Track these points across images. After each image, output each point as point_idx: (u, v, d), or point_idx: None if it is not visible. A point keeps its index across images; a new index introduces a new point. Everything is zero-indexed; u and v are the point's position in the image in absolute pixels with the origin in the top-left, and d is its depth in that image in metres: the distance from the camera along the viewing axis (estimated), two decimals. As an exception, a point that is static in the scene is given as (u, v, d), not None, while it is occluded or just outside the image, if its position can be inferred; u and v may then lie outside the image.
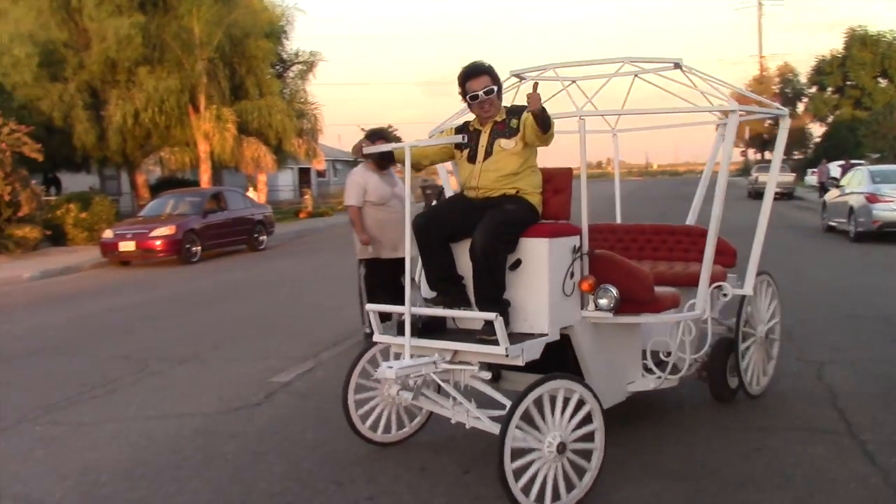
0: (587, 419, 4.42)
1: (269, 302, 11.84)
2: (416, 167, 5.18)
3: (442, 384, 4.71)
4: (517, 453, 4.15)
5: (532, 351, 4.54)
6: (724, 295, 5.61)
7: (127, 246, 17.87)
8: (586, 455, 4.40)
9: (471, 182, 4.93)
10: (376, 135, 7.08)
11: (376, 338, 4.91)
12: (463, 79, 4.95)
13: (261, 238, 20.98)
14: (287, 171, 51.66)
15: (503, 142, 4.89)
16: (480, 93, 4.85)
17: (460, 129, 5.08)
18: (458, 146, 5.03)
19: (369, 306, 5.00)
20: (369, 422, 5.25)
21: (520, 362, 4.46)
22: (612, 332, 5.08)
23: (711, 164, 6.35)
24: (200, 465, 5.07)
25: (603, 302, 4.84)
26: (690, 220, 7.01)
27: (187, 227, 18.29)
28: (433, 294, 4.88)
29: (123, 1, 27.57)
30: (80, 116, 27.40)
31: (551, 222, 4.92)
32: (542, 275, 4.68)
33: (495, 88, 4.89)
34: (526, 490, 4.14)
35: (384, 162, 7.27)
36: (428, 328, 4.71)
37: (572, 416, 4.36)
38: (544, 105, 4.58)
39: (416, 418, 5.43)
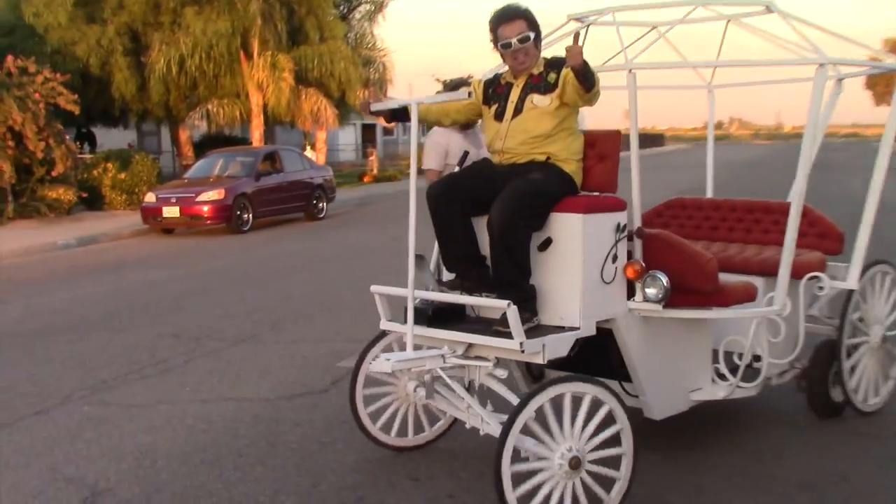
0: (609, 421, 4.38)
1: (332, 277, 12.25)
2: (438, 126, 5.31)
3: (449, 381, 4.75)
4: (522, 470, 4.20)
5: (557, 347, 4.50)
6: (820, 288, 5.45)
7: (171, 212, 18.50)
8: (614, 463, 4.39)
9: (496, 144, 4.90)
10: (456, 87, 7.25)
11: (383, 325, 4.96)
12: (495, 23, 4.87)
13: (320, 205, 21.44)
14: (349, 128, 52.24)
15: (536, 98, 4.82)
16: (514, 40, 4.77)
17: (490, 83, 5.03)
18: (486, 101, 4.98)
19: (374, 288, 4.98)
20: (381, 422, 5.33)
21: (540, 360, 4.43)
22: (669, 328, 5.01)
23: (814, 125, 5.57)
24: (263, 453, 5.42)
25: (651, 292, 4.75)
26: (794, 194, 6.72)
27: (238, 192, 18.82)
28: (451, 276, 4.91)
29: (170, -68, 28.33)
30: (119, 63, 28.29)
31: (591, 195, 4.86)
32: (574, 257, 4.60)
33: (532, 36, 4.79)
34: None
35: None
36: (442, 316, 4.73)
37: (586, 422, 4.30)
38: (587, 60, 4.40)
39: (439, 421, 5.48)
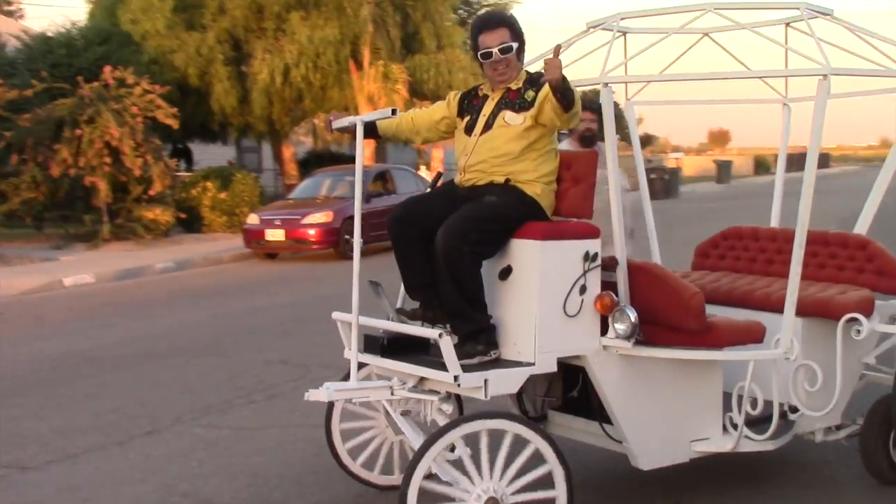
0: (538, 462, 4.58)
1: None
2: (407, 142, 5.74)
3: (392, 414, 5.18)
4: None
5: (503, 383, 4.73)
6: (858, 332, 5.44)
7: (275, 235, 19.52)
8: None
9: (461, 160, 5.12)
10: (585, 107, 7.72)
11: (346, 353, 5.20)
12: (476, 30, 5.11)
13: (435, 228, 22.19)
14: (467, 145, 53.14)
15: (509, 115, 5.02)
16: (495, 50, 4.98)
17: (466, 95, 5.28)
18: (460, 113, 5.21)
19: (336, 315, 5.37)
20: (362, 458, 5.64)
21: (482, 395, 4.64)
22: (661, 369, 5.14)
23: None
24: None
25: (619, 328, 4.86)
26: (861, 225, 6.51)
27: (347, 214, 19.70)
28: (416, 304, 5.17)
29: (274, -69, 29.71)
30: (219, 74, 29.64)
31: (562, 220, 5.06)
32: (531, 286, 4.78)
33: (514, 46, 5.01)
34: None
35: (587, 137, 7.41)
36: (398, 346, 4.98)
37: (507, 463, 4.53)
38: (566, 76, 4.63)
39: None
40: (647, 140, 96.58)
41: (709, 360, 5.16)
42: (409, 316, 5.16)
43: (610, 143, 5.15)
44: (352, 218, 19.61)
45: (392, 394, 4.96)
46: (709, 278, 6.41)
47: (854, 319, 5.43)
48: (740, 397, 5.13)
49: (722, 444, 5.29)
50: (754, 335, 5.22)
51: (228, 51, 30.39)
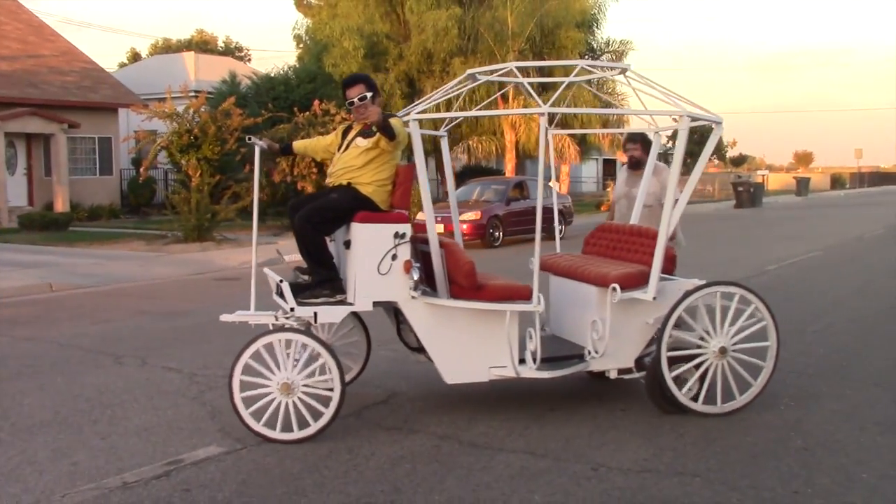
0: (316, 357, 5.86)
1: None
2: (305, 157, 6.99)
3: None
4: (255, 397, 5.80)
5: (329, 314, 6.01)
6: (615, 297, 6.17)
7: (438, 228, 21.02)
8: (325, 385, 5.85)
9: (330, 169, 6.35)
10: (631, 138, 8.76)
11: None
12: (343, 87, 6.34)
13: (559, 227, 23.40)
14: (591, 163, 54.17)
15: (359, 140, 6.20)
16: (355, 99, 6.16)
17: (347, 129, 6.43)
18: (342, 140, 6.32)
19: (266, 271, 6.44)
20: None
21: (314, 322, 5.99)
22: (459, 315, 6.04)
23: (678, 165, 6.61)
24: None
25: (409, 283, 5.92)
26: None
27: (492, 214, 21.20)
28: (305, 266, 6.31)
29: (442, -6, 31.34)
30: (397, 105, 31.48)
31: (388, 211, 6.11)
32: (357, 253, 5.93)
33: (368, 95, 6.14)
34: (256, 415, 5.76)
35: (634, 163, 8.49)
36: (297, 290, 6.05)
37: (297, 360, 5.79)
38: (389, 115, 5.92)
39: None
40: (741, 159, 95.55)
41: (493, 309, 6.04)
42: (302, 272, 6.33)
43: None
44: (495, 216, 21.28)
45: (276, 320, 6.05)
46: (566, 257, 7.31)
47: (614, 289, 6.20)
48: (530, 337, 6.09)
49: (509, 371, 6.12)
50: (521, 294, 6.14)
51: (405, 88, 32.20)
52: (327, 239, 6.32)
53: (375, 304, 6.10)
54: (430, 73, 32.02)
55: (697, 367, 6.38)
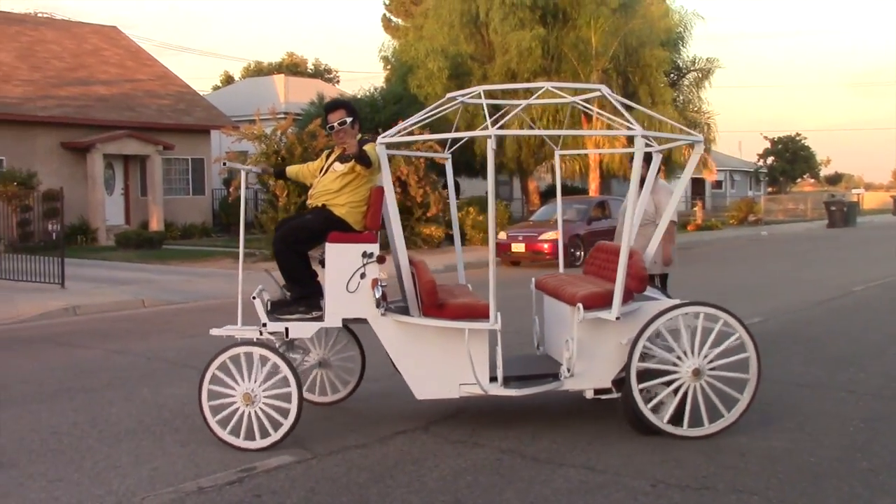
0: (275, 371, 6.11)
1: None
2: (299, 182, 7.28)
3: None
4: (219, 400, 6.16)
5: (300, 330, 6.27)
6: (580, 316, 6.18)
7: (518, 247, 21.26)
8: (285, 398, 6.08)
9: (311, 191, 6.69)
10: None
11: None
12: (324, 112, 6.69)
13: (643, 247, 23.34)
14: (675, 182, 53.50)
15: (337, 165, 6.54)
16: (335, 124, 6.51)
17: (329, 153, 6.80)
18: (325, 164, 6.68)
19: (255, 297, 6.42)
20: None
21: (284, 338, 6.27)
22: (428, 332, 6.19)
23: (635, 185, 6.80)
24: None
25: (374, 300, 6.12)
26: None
27: (573, 233, 21.24)
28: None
29: (526, 15, 31.50)
30: (479, 126, 31.74)
31: (357, 232, 6.36)
32: (328, 271, 6.23)
33: (349, 120, 6.48)
34: (223, 424, 6.10)
35: None
36: (278, 306, 6.45)
37: (258, 371, 6.09)
38: (368, 144, 6.24)
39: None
40: (837, 178, 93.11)
41: (451, 327, 6.13)
42: (286, 289, 6.65)
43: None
44: (576, 236, 21.28)
45: (261, 334, 6.28)
46: (558, 277, 7.32)
47: (578, 308, 6.21)
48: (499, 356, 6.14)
49: (479, 389, 6.18)
50: (480, 312, 6.16)
51: (489, 107, 32.35)
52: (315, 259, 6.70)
53: (345, 320, 6.38)
54: (514, 93, 32.14)
55: (676, 390, 6.29)
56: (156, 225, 28.84)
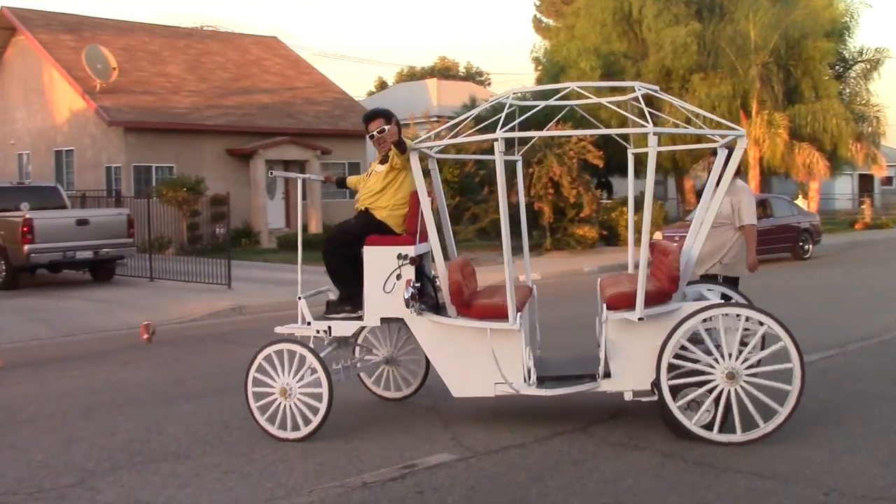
0: (314, 371, 6.39)
1: (803, 302, 13.67)
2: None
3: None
4: (263, 394, 6.56)
5: (342, 329, 6.67)
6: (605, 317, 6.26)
7: (674, 248, 20.75)
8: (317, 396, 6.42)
9: (356, 196, 6.96)
10: (714, 152, 8.19)
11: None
12: (364, 121, 6.84)
13: (806, 247, 22.47)
14: (845, 178, 51.19)
15: (377, 167, 6.84)
16: (375, 132, 6.68)
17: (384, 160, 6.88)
18: (382, 161, 6.87)
19: (301, 299, 6.85)
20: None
21: (328, 336, 6.62)
22: (464, 331, 6.37)
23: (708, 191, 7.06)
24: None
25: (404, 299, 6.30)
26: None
27: (732, 232, 20.58)
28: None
29: (681, 10, 30.88)
30: (638, 124, 31.21)
31: (399, 234, 6.62)
32: (366, 273, 6.51)
33: (387, 128, 6.63)
34: (272, 419, 6.52)
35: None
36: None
37: (297, 368, 6.43)
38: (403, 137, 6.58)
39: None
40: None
41: (475, 327, 6.32)
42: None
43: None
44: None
45: (317, 333, 6.69)
46: (616, 277, 7.39)
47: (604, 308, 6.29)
48: (531, 358, 6.29)
49: (514, 389, 6.31)
50: (499, 312, 6.27)
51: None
52: None
53: (383, 319, 6.65)
54: (669, 91, 31.48)
55: (710, 392, 6.11)
56: (315, 228, 29.70)
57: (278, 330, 6.87)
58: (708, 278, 8.26)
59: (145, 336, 11.43)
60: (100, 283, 18.52)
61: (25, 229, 16.76)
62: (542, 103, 6.80)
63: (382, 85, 63.74)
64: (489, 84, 63.23)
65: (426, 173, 6.71)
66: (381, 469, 5.79)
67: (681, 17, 30.84)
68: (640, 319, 6.14)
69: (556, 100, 7.01)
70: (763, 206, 22.44)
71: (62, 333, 12.79)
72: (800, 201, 30.36)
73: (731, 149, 7.00)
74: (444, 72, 61.34)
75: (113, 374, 9.59)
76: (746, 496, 5.16)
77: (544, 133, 8.75)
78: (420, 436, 6.59)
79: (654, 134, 6.02)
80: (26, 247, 16.79)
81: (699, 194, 33.54)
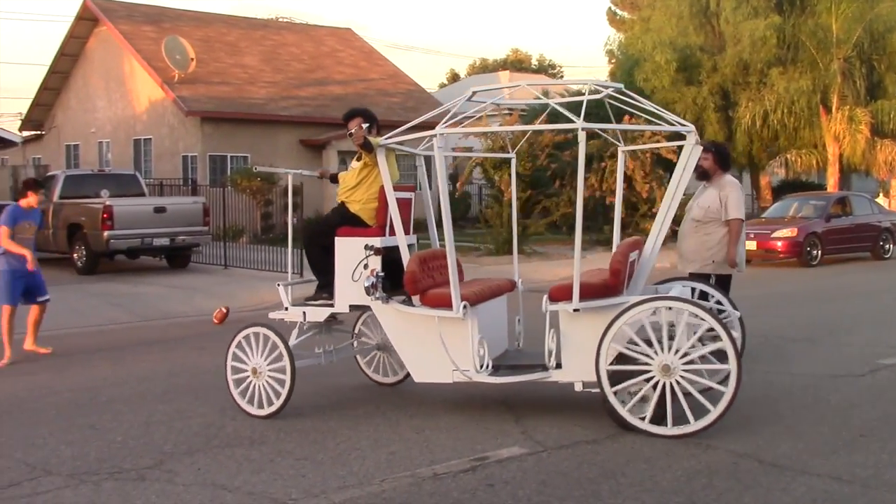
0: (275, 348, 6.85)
1: (883, 304, 13.34)
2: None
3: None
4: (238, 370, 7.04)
5: (315, 314, 7.07)
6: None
7: (748, 245, 20.36)
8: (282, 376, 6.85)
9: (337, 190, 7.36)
10: (704, 147, 8.15)
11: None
12: (344, 119, 7.29)
13: (886, 246, 21.88)
14: (930, 177, 49.70)
15: (353, 163, 7.35)
16: (353, 130, 7.02)
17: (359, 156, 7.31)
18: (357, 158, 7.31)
19: (280, 284, 7.36)
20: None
21: (302, 321, 7.08)
22: (424, 320, 6.60)
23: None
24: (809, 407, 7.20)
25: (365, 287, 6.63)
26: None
27: (809, 231, 20.18)
28: None
29: (760, 3, 30.21)
30: (710, 118, 30.82)
31: (366, 227, 7.02)
32: (336, 263, 6.89)
33: (365, 126, 7.02)
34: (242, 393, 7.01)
35: (701, 172, 8.72)
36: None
37: (263, 349, 6.88)
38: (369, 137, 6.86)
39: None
40: None
41: (424, 314, 6.59)
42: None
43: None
44: (813, 234, 20.24)
45: (304, 318, 7.14)
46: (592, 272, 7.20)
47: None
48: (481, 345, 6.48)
49: (467, 376, 6.53)
50: (447, 302, 6.48)
51: (718, 100, 31.42)
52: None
53: (352, 307, 7.02)
54: (746, 85, 30.94)
55: (654, 386, 6.19)
56: (457, 218, 29.94)
57: (271, 315, 7.35)
58: (700, 277, 8.24)
59: (217, 320, 11.61)
60: (175, 270, 18.87)
61: (105, 216, 17.19)
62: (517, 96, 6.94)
63: (455, 77, 63.76)
64: (561, 76, 62.87)
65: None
66: (451, 461, 5.82)
67: (760, 10, 30.16)
68: (575, 311, 6.32)
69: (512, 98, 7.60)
70: (842, 204, 21.99)
71: (140, 318, 13.11)
72: (881, 199, 29.58)
73: (708, 147, 7.80)
74: (517, 64, 61.13)
75: (189, 359, 9.80)
76: (823, 500, 5.07)
77: (617, 126, 8.63)
78: (491, 429, 6.59)
79: (583, 129, 6.31)
80: (106, 233, 17.22)
81: (776, 191, 32.85)
